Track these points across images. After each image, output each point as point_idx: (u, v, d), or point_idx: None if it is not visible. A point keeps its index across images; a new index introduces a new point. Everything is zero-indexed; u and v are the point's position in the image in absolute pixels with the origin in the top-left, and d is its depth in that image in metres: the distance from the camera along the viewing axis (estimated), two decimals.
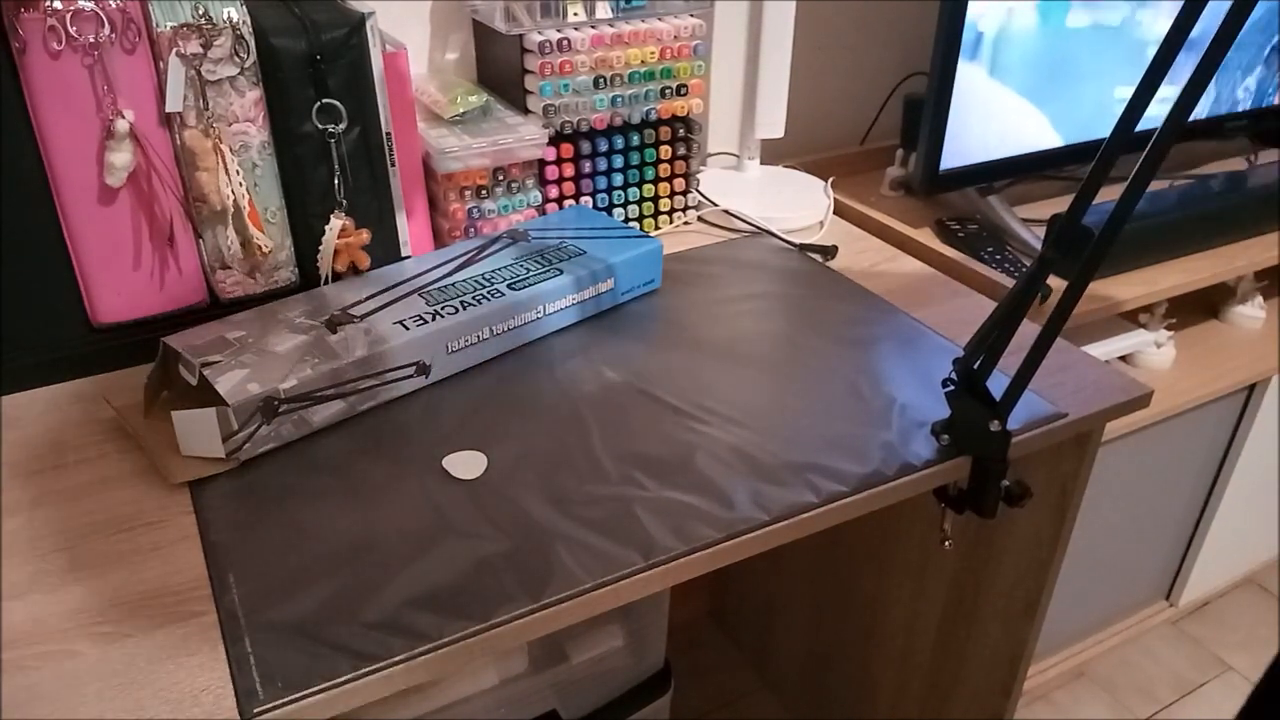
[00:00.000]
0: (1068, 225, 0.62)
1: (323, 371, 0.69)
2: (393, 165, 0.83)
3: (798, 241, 1.02)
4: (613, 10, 0.93)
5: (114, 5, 0.68)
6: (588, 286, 0.85)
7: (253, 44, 0.73)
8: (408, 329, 0.74)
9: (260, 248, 0.78)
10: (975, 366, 0.68)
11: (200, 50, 0.71)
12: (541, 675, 0.97)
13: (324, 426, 0.71)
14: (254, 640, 0.54)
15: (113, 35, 0.69)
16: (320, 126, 0.77)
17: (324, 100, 0.77)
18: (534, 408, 0.74)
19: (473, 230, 0.92)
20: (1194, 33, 0.56)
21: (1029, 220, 1.13)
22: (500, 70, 0.98)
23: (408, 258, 0.87)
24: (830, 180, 1.16)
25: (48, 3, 0.66)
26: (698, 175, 1.05)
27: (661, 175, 1.01)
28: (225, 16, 0.71)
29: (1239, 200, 1.23)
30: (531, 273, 0.83)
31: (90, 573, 0.59)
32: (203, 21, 0.71)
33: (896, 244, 1.07)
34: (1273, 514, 1.56)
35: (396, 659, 0.53)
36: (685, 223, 1.06)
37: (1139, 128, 0.58)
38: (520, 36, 0.91)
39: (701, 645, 1.52)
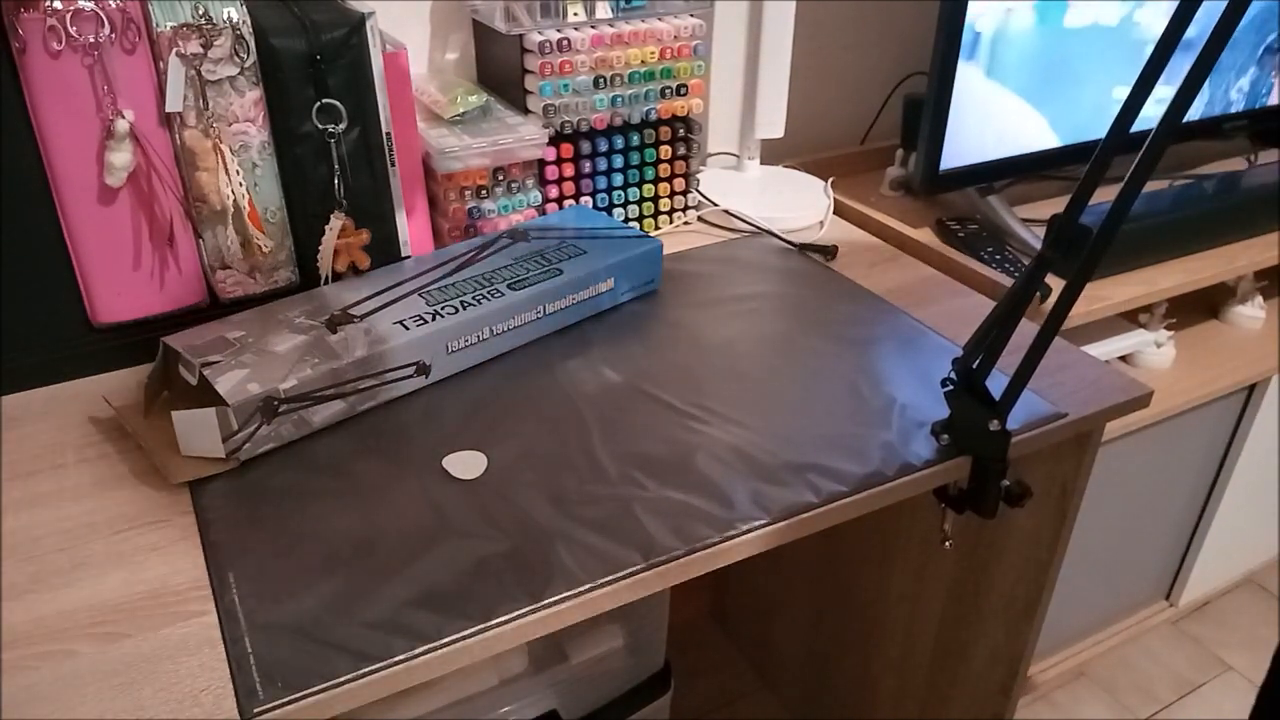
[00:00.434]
0: (1065, 224, 0.62)
1: (323, 371, 0.69)
2: (393, 165, 0.83)
3: (798, 241, 1.02)
4: (613, 10, 0.93)
5: (114, 5, 0.68)
6: (588, 286, 0.85)
7: (253, 44, 0.73)
8: (408, 329, 0.74)
9: (260, 248, 0.78)
10: (974, 366, 0.68)
11: (200, 50, 0.71)
12: (541, 675, 0.97)
13: (324, 426, 0.71)
14: (254, 640, 0.54)
15: (113, 35, 0.69)
16: (320, 126, 0.77)
17: (324, 100, 0.77)
18: (534, 408, 0.74)
19: (473, 230, 0.92)
20: (1190, 33, 0.56)
21: (1029, 220, 1.13)
22: (500, 70, 0.98)
23: (408, 258, 0.87)
24: (830, 180, 1.16)
25: (48, 3, 0.66)
26: (698, 175, 1.05)
27: (661, 175, 1.01)
28: (225, 16, 0.71)
29: (1239, 200, 1.23)
30: (531, 273, 0.83)
31: (90, 573, 0.59)
32: (203, 21, 0.71)
33: (896, 244, 1.07)
34: (1273, 514, 1.55)
35: (396, 659, 0.53)
36: (685, 223, 1.06)
37: (1138, 128, 0.58)
38: (520, 36, 0.91)
39: (701, 645, 1.52)
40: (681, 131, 1.00)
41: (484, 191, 0.91)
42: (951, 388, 0.70)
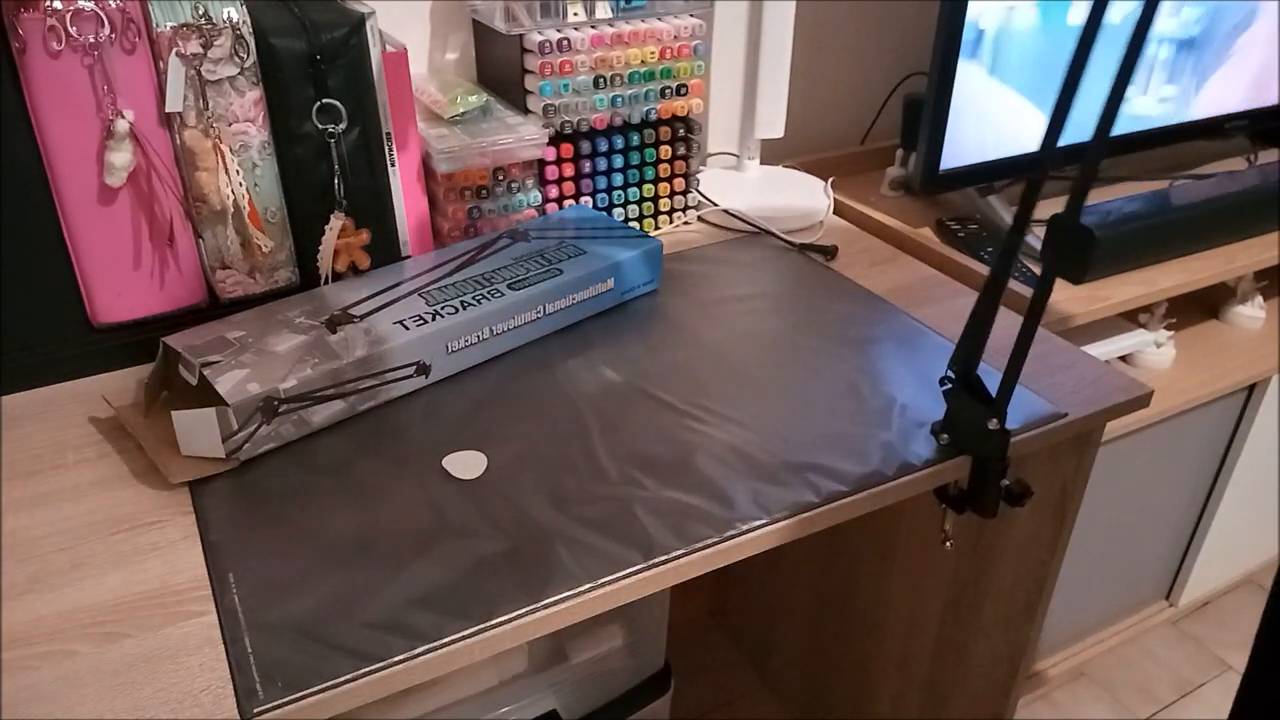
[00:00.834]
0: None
1: (323, 371, 0.69)
2: (393, 165, 0.83)
3: (798, 241, 1.02)
4: (613, 10, 0.93)
5: (114, 5, 0.68)
6: (588, 286, 0.85)
7: (253, 44, 0.73)
8: (408, 329, 0.74)
9: (260, 248, 0.78)
10: (967, 359, 0.68)
11: (200, 50, 0.71)
12: (541, 675, 0.97)
13: (324, 426, 0.71)
14: (254, 640, 0.54)
15: (112, 35, 0.69)
16: (320, 126, 0.77)
17: (324, 100, 0.77)
18: (534, 408, 0.74)
19: (473, 230, 0.92)
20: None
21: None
22: (500, 70, 0.98)
23: (408, 258, 0.87)
24: (830, 180, 1.16)
25: (48, 3, 0.66)
26: (698, 175, 1.05)
27: (661, 175, 1.01)
28: (225, 16, 0.71)
29: (1239, 200, 1.23)
30: (531, 273, 0.83)
31: (90, 573, 0.59)
32: (203, 21, 0.71)
33: (896, 244, 1.07)
34: (1273, 514, 1.55)
35: (396, 659, 0.53)
36: (685, 223, 1.06)
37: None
38: (520, 36, 0.91)
39: (701, 645, 1.52)
40: (681, 131, 1.00)
41: (484, 191, 0.91)
42: (949, 386, 0.70)
